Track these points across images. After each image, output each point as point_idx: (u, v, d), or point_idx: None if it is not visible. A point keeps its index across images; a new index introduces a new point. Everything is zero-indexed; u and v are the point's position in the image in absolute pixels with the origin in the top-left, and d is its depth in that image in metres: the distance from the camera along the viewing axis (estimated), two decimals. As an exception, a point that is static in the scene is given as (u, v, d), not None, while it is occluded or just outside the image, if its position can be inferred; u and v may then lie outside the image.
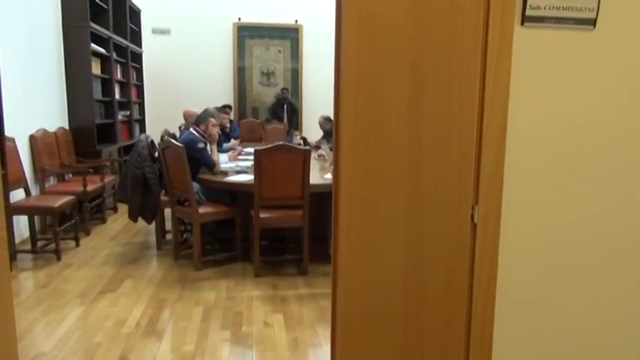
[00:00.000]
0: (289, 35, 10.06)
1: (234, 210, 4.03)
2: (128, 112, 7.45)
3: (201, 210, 3.85)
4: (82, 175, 4.87)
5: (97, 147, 5.83)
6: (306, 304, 3.31)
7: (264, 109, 10.19)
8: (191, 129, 4.52)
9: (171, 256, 4.23)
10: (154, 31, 9.51)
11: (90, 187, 4.93)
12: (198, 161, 4.29)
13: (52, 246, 4.17)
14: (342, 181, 1.39)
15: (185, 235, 4.71)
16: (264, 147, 3.60)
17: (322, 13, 10.03)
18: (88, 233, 4.89)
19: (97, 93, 6.23)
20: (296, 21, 9.99)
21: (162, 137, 4.81)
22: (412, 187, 1.41)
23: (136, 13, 8.03)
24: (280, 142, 3.88)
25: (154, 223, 4.51)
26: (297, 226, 3.80)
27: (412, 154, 1.40)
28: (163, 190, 4.39)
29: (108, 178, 5.53)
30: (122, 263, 4.08)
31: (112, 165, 5.95)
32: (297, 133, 9.92)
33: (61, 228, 4.26)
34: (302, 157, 3.61)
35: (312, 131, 9.58)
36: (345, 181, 1.39)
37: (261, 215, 3.71)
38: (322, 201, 3.91)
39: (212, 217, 3.95)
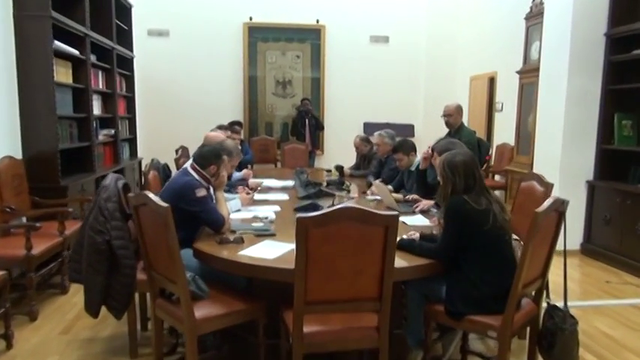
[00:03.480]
0: (309, 38, 8.47)
1: (255, 307, 2.40)
2: (113, 131, 5.90)
3: (199, 313, 2.23)
4: (25, 229, 3.27)
5: (62, 181, 4.26)
6: None
7: (278, 124, 8.61)
8: (187, 167, 2.94)
9: (151, 372, 2.62)
10: (150, 33, 8.03)
11: (40, 247, 3.35)
12: (196, 217, 2.71)
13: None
14: None
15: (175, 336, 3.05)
16: (316, 214, 1.95)
17: (348, 12, 8.44)
18: (34, 318, 3.28)
19: (66, 107, 4.69)
20: (317, 21, 8.41)
21: (144, 175, 3.22)
22: None
23: (125, 9, 6.49)
24: (345, 204, 2.25)
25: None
26: (371, 347, 2.17)
27: None
28: (141, 262, 2.79)
29: (73, 227, 3.94)
30: (69, 393, 2.46)
31: (82, 207, 4.35)
32: (319, 153, 8.34)
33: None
34: (383, 230, 1.98)
35: (334, 153, 8.03)
36: None
37: (306, 330, 2.08)
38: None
39: (217, 325, 2.30)
